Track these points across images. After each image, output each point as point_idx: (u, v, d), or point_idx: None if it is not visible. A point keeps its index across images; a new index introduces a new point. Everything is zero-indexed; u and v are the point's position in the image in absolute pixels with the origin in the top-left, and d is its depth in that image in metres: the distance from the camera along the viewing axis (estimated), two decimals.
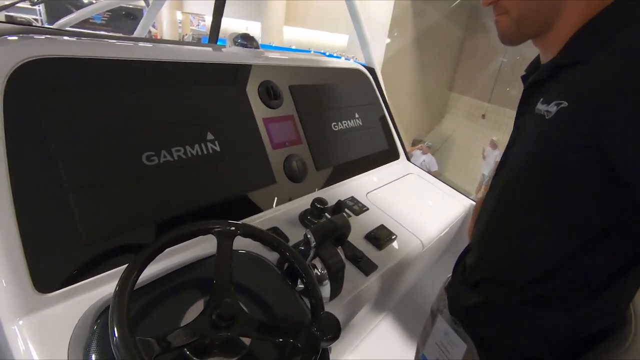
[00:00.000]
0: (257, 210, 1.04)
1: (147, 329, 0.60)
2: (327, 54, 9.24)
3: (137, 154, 0.81)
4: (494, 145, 6.96)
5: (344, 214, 1.17)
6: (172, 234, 0.62)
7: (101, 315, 0.63)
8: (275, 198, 1.10)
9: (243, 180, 1.03)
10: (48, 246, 0.66)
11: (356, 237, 1.10)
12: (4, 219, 0.61)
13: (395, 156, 1.67)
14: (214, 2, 1.87)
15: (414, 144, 6.88)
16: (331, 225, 0.83)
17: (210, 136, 0.97)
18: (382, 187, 1.44)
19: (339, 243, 0.89)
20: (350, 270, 0.97)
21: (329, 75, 1.44)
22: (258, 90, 1.13)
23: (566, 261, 0.58)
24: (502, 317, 0.68)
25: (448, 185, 1.59)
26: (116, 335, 0.47)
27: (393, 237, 1.15)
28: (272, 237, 0.71)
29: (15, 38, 0.74)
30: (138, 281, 0.57)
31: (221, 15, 2.21)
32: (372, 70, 1.68)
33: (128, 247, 0.77)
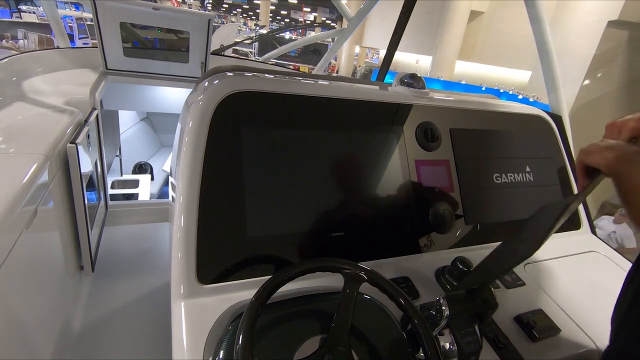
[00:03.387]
0: (391, 253, 1.00)
1: (265, 349, 0.64)
2: (502, 90, 8.43)
3: (295, 178, 0.90)
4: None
5: (492, 283, 1.00)
6: (304, 266, 0.65)
7: (236, 319, 0.71)
8: (413, 245, 1.03)
9: (382, 220, 1.01)
10: (213, 247, 0.79)
11: (502, 316, 0.91)
12: (190, 222, 0.77)
13: (575, 225, 1.34)
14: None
15: (603, 208, 5.42)
16: (471, 299, 0.71)
17: (361, 171, 0.99)
18: (549, 260, 1.16)
19: (479, 320, 0.76)
20: (487, 355, 0.80)
21: (500, 120, 1.28)
22: (416, 130, 1.10)
23: None
24: None
25: None
26: (239, 349, 0.51)
27: (555, 330, 0.91)
28: (401, 295, 0.65)
29: (228, 74, 0.94)
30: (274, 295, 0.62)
31: (394, 51, 2.30)
32: (557, 119, 1.42)
33: (274, 259, 0.86)
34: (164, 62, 2.45)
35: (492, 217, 1.16)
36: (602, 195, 5.50)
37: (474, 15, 9.51)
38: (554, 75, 1.50)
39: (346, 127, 1.01)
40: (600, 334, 0.94)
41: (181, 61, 2.46)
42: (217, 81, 0.90)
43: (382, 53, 13.53)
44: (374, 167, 1.02)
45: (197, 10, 2.28)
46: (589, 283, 1.12)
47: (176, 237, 0.76)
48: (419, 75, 1.20)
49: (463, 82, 9.23)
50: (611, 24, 5.18)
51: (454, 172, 1.13)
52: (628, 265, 1.21)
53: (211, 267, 0.78)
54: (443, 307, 0.68)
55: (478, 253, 1.11)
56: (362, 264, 0.90)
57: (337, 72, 17.11)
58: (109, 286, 1.56)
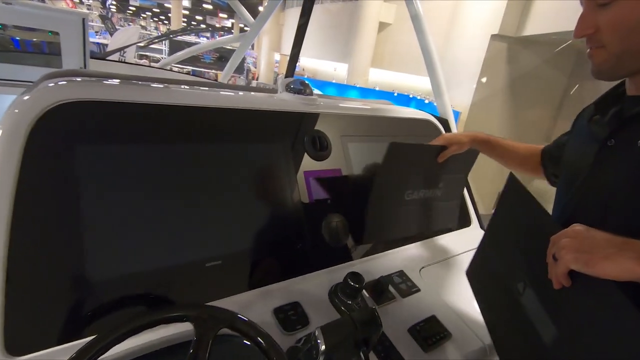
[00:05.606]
0: (280, 276, 0.91)
1: None
2: (412, 96, 9.10)
3: (138, 199, 0.75)
4: None
5: (387, 294, 0.97)
6: (137, 322, 0.52)
7: None
8: (305, 264, 0.95)
9: (268, 240, 0.91)
10: (33, 303, 0.61)
11: (397, 329, 0.88)
12: None
13: (465, 222, 1.40)
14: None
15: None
16: (349, 325, 0.64)
17: (241, 188, 0.88)
18: (443, 261, 1.19)
19: (365, 345, 0.70)
20: None
21: (391, 125, 1.28)
22: (304, 140, 1.03)
23: None
24: None
25: None
26: None
27: (446, 335, 0.90)
28: (262, 336, 0.56)
29: (65, 80, 0.75)
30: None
31: (297, 60, 2.27)
32: (444, 122, 1.48)
33: (129, 308, 0.70)
34: (31, 67, 2.07)
35: (387, 226, 1.15)
36: (497, 188, 6.24)
37: (382, 26, 10.13)
38: (439, 83, 1.58)
39: (219, 139, 0.89)
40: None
41: (54, 66, 2.10)
42: (47, 86, 0.71)
43: (303, 61, 13.70)
44: (256, 183, 0.92)
45: (68, 8, 1.98)
46: None
47: None
48: (306, 81, 1.14)
49: (377, 89, 9.74)
50: (493, 37, 5.95)
51: (347, 181, 1.09)
52: None
53: (30, 331, 0.60)
54: (318, 341, 0.60)
55: (376, 263, 1.08)
56: (248, 294, 0.79)
57: (257, 79, 16.87)
58: None
